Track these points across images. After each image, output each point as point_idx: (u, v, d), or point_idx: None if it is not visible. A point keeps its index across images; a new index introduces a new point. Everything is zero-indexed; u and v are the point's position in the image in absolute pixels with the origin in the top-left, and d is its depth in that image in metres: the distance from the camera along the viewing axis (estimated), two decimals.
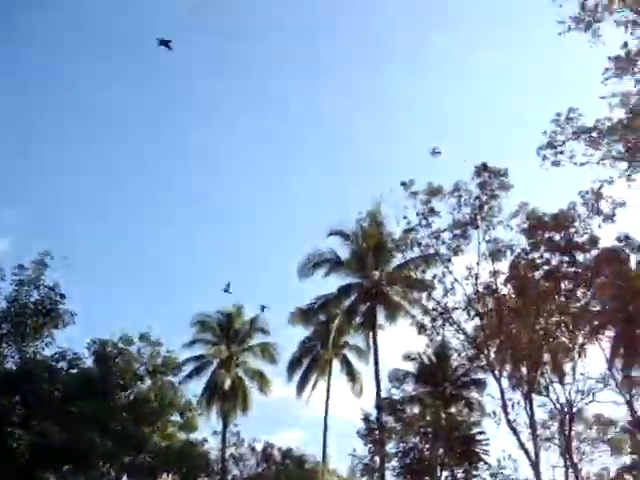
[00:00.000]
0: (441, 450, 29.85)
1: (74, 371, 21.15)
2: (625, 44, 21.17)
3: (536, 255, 27.79)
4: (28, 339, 20.17)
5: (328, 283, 40.65)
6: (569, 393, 28.59)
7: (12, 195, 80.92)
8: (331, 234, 39.53)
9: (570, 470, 29.77)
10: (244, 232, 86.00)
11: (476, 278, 28.27)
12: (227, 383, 43.09)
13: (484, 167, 28.03)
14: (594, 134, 23.67)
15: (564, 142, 24.42)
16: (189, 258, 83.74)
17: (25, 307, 20.17)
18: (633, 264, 28.96)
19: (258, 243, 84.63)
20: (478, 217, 28.08)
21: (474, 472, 29.62)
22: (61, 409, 19.67)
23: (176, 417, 30.65)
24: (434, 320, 29.81)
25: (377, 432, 31.19)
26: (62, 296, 20.75)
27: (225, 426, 44.25)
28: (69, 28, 79.14)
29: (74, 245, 66.19)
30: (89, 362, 21.86)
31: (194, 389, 38.29)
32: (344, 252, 40.11)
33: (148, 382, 25.78)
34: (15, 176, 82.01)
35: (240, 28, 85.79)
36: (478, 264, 28.21)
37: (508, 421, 27.28)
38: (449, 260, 28.87)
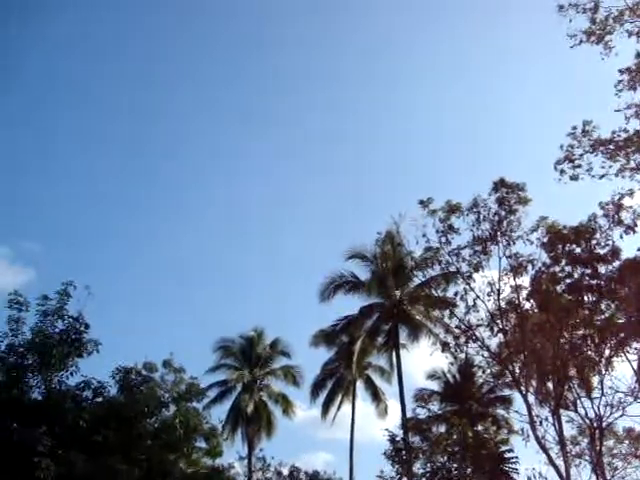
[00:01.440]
0: (469, 469, 29.48)
1: (99, 400, 21.16)
2: (638, 54, 21.14)
3: (557, 269, 27.54)
4: (53, 369, 20.23)
5: (349, 305, 40.75)
6: (598, 407, 27.98)
7: (36, 228, 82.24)
8: (350, 257, 39.63)
9: None
10: (262, 256, 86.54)
11: (498, 294, 28.06)
12: (251, 407, 43.10)
13: (502, 182, 27.96)
14: (611, 146, 23.56)
15: (581, 155, 24.33)
16: (209, 280, 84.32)
17: (50, 337, 20.28)
18: None
19: (276, 267, 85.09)
20: (498, 232, 27.94)
21: None
22: (87, 438, 19.67)
23: (201, 443, 30.55)
24: (457, 338, 29.57)
25: (404, 452, 30.89)
26: (86, 325, 20.90)
27: (250, 451, 44.17)
28: None
29: (95, 274, 66.82)
30: (114, 390, 21.83)
31: (218, 414, 38.20)
32: (364, 273, 40.23)
33: (173, 409, 25.73)
34: (38, 209, 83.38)
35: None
36: (499, 280, 28.02)
37: (536, 438, 26.89)
38: (470, 277, 28.70)
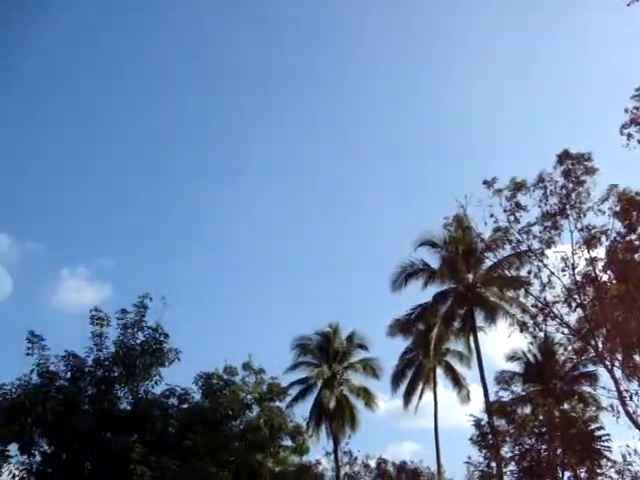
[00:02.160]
0: (559, 450, 28.91)
1: (185, 406, 21.75)
2: None
3: (633, 237, 26.66)
4: (138, 379, 20.93)
5: (421, 293, 40.55)
6: None
7: (108, 244, 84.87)
8: (420, 244, 39.41)
9: None
10: (329, 250, 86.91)
11: (573, 268, 27.33)
12: (333, 403, 43.34)
13: (566, 154, 27.25)
14: None
15: None
16: (278, 280, 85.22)
17: (132, 349, 20.98)
18: None
19: (344, 260, 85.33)
20: (567, 206, 27.23)
21: (598, 470, 28.49)
22: (176, 444, 20.26)
23: (287, 441, 30.96)
24: (535, 317, 28.99)
25: (490, 437, 30.53)
26: (166, 335, 21.56)
27: (336, 445, 44.45)
28: None
29: (170, 283, 68.57)
30: (198, 396, 22.38)
31: (301, 412, 38.56)
32: (434, 260, 39.96)
33: (256, 410, 26.16)
34: (112, 226, 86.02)
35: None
36: (573, 254, 27.30)
37: (627, 413, 26.04)
38: (542, 254, 28.05)
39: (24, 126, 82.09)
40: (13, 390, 19.63)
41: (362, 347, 46.50)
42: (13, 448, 19.81)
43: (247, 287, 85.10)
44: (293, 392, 41.79)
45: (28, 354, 20.35)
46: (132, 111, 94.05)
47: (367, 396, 44.85)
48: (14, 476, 19.25)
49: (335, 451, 44.46)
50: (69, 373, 20.76)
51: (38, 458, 19.86)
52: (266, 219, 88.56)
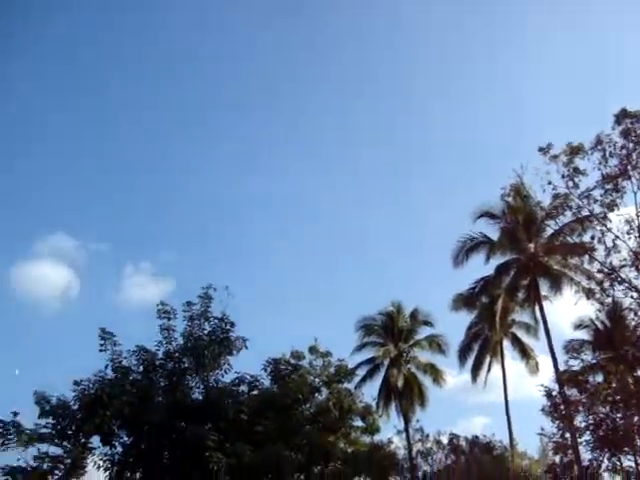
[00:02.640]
0: (636, 418, 28.32)
1: (254, 393, 22.12)
2: None
3: None
4: (208, 369, 21.39)
5: (484, 266, 40.08)
6: None
7: (169, 238, 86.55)
8: (479, 216, 38.88)
9: None
10: (387, 228, 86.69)
11: (639, 230, 26.64)
12: (400, 381, 43.32)
13: (624, 113, 26.44)
14: None
15: None
16: (338, 265, 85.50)
17: (200, 340, 21.43)
18: None
19: (402, 239, 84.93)
20: (628, 167, 26.47)
21: None
22: (249, 430, 20.66)
23: (358, 422, 31.21)
24: (601, 282, 28.36)
25: (562, 407, 30.11)
26: (232, 324, 21.91)
27: (407, 423, 44.50)
28: None
29: (231, 272, 69.57)
30: (267, 382, 22.72)
31: (370, 392, 38.70)
32: (494, 231, 39.39)
33: (325, 392, 26.43)
34: (168, 220, 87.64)
35: None
36: (638, 216, 26.58)
37: None
38: (605, 217, 27.39)
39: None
40: (90, 385, 20.35)
41: (427, 323, 46.29)
42: (95, 440, 20.68)
43: (311, 271, 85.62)
44: (360, 373, 41.95)
45: (101, 350, 21.07)
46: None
47: (434, 372, 44.67)
48: (99, 467, 20.02)
49: (406, 429, 44.53)
50: (141, 367, 21.39)
51: (119, 449, 20.63)
52: (328, 204, 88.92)
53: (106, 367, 20.92)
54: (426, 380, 44.80)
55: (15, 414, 20.81)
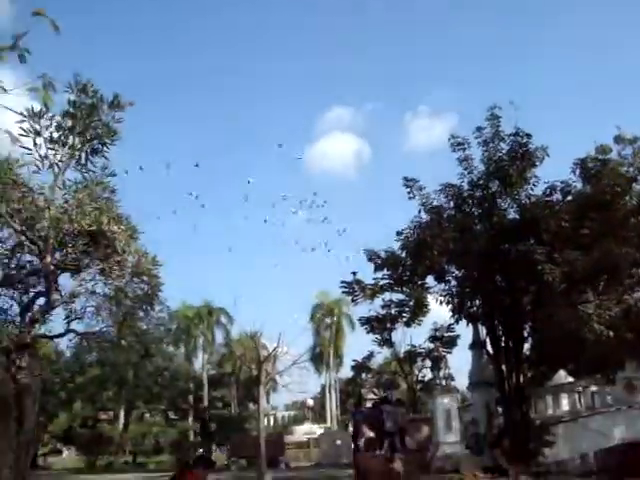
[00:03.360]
0: None
1: (569, 198, 21.46)
2: None
3: None
4: (516, 187, 21.09)
5: None
6: None
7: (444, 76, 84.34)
8: None
9: None
10: None
11: None
12: None
13: None
14: None
15: None
16: None
17: (501, 161, 21.05)
18: None
19: None
20: None
21: None
22: (574, 235, 20.33)
23: None
24: None
25: None
26: (528, 135, 20.99)
27: None
28: None
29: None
30: (579, 185, 21.86)
31: None
32: None
33: None
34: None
35: None
36: None
37: None
38: None
39: None
40: (411, 232, 21.47)
41: None
42: (429, 280, 22.15)
43: None
44: None
45: (410, 198, 21.93)
46: None
47: None
48: (440, 302, 21.40)
49: None
50: (451, 202, 21.89)
51: (453, 282, 21.75)
52: None
53: (419, 211, 21.86)
54: None
55: (354, 273, 23.05)
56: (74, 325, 14.48)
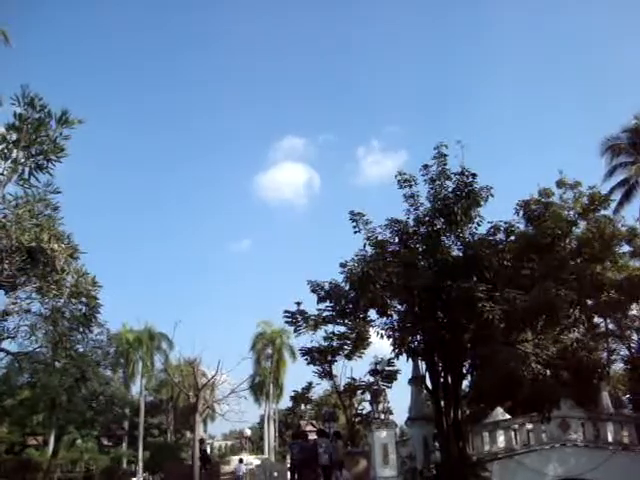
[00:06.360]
0: None
1: (512, 238, 21.96)
2: None
3: None
4: (461, 225, 21.44)
5: None
6: None
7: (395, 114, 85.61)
8: None
9: None
10: None
11: None
12: None
13: None
14: None
15: None
16: None
17: (446, 199, 21.44)
18: None
19: None
20: None
21: None
22: (515, 275, 20.80)
23: (624, 247, 30.09)
24: None
25: None
26: (474, 175, 21.33)
27: None
28: None
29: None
30: (521, 226, 22.42)
31: (631, 214, 36.73)
32: None
33: (583, 224, 25.60)
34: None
35: None
36: None
37: None
38: None
39: None
40: (355, 265, 21.54)
41: None
42: (372, 313, 22.24)
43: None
44: (616, 197, 39.52)
45: (356, 232, 22.06)
46: None
47: None
48: (381, 336, 21.46)
49: None
50: (396, 237, 22.09)
51: (395, 317, 21.87)
52: None
53: (364, 245, 21.94)
54: None
55: (298, 304, 23.04)
56: (5, 344, 14.05)
